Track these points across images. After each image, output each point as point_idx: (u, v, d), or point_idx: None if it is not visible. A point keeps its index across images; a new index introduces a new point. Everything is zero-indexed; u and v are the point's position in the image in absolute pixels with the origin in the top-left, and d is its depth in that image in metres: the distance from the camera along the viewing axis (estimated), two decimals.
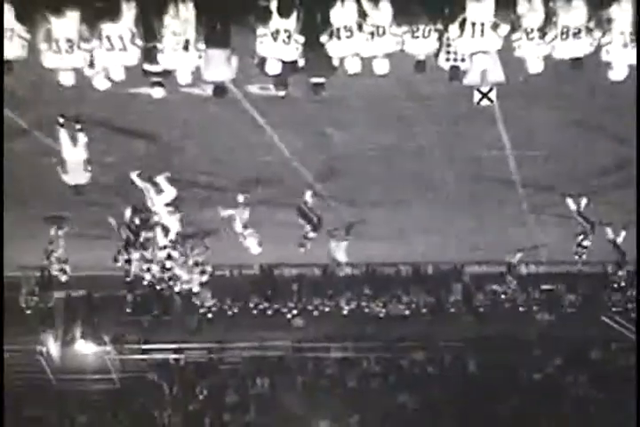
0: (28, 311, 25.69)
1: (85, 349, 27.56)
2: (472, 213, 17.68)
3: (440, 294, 26.20)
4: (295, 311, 26.53)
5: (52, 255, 18.93)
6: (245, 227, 16.61)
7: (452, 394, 26.41)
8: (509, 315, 25.79)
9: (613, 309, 25.52)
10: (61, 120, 11.65)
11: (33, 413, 27.50)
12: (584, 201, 16.40)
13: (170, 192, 15.35)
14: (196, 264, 19.09)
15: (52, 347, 27.54)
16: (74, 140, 11.79)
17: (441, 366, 27.06)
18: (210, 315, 26.20)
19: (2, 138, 10.46)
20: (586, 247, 17.48)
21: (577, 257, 17.95)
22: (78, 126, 11.72)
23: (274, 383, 27.38)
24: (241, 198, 16.19)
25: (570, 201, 16.40)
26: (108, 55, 8.41)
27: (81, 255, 18.91)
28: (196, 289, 19.87)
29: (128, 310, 26.62)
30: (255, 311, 26.58)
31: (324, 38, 8.33)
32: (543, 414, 25.85)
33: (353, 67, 8.58)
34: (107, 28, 8.30)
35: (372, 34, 8.28)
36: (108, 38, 8.33)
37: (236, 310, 26.52)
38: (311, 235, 16.69)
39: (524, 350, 26.57)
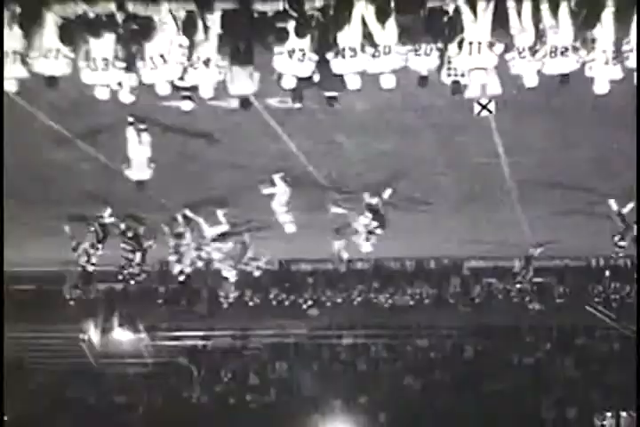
0: (72, 302, 25.74)
1: (122, 336, 27.61)
2: (469, 213, 17.60)
3: (441, 286, 26.16)
4: (310, 302, 26.52)
5: (78, 248, 18.72)
6: (282, 205, 16.02)
7: (452, 376, 26.40)
8: (504, 305, 25.75)
9: (596, 299, 25.49)
10: (131, 119, 11.54)
11: (75, 393, 27.57)
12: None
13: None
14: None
15: (93, 334, 27.60)
16: (139, 138, 11.68)
17: (442, 351, 27.04)
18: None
19: (2, 137, 10.36)
20: (623, 247, 17.01)
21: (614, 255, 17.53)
22: (143, 126, 11.55)
23: (291, 367, 27.39)
24: (277, 179, 15.11)
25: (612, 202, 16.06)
26: (153, 72, 8.42)
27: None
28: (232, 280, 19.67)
29: (160, 301, 26.67)
30: (274, 302, 26.56)
31: (329, 55, 8.32)
32: (533, 393, 25.84)
33: (354, 83, 8.58)
34: (148, 47, 8.31)
35: (379, 52, 8.28)
36: (151, 57, 8.34)
37: (257, 301, 26.53)
38: (378, 231, 16.25)
39: (517, 336, 26.55)
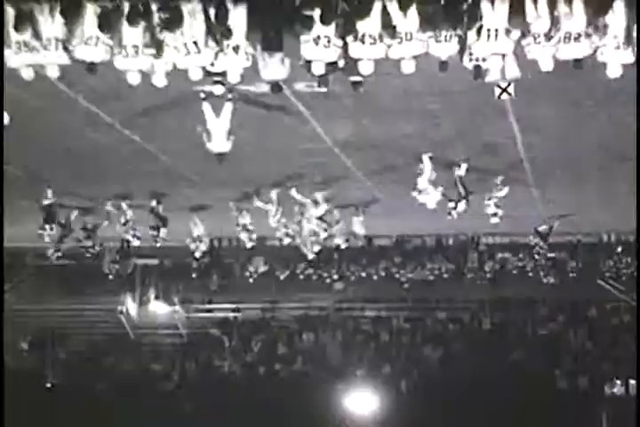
0: (111, 277, 25.91)
1: (158, 308, 27.77)
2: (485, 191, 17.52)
3: (459, 261, 26.14)
4: (336, 277, 26.55)
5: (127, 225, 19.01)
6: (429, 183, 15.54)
7: (470, 347, 26.42)
8: (519, 279, 25.73)
9: (608, 274, 25.43)
10: (203, 95, 11.36)
11: (114, 362, 27.76)
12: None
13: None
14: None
15: (131, 306, 27.77)
16: (217, 111, 11.47)
17: (460, 323, 27.04)
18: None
19: (2, 137, 10.37)
20: None
21: None
22: (230, 95, 11.22)
23: (318, 338, 27.46)
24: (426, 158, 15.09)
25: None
26: (186, 58, 8.45)
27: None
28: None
29: (194, 275, 26.79)
30: (302, 277, 26.62)
31: (349, 39, 8.32)
32: (547, 362, 25.84)
33: (366, 69, 8.57)
34: (178, 35, 8.34)
35: (401, 39, 8.28)
36: (185, 44, 8.37)
37: (285, 275, 26.60)
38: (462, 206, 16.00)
39: (532, 309, 26.53)
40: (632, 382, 25.42)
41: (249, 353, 27.53)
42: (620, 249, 24.82)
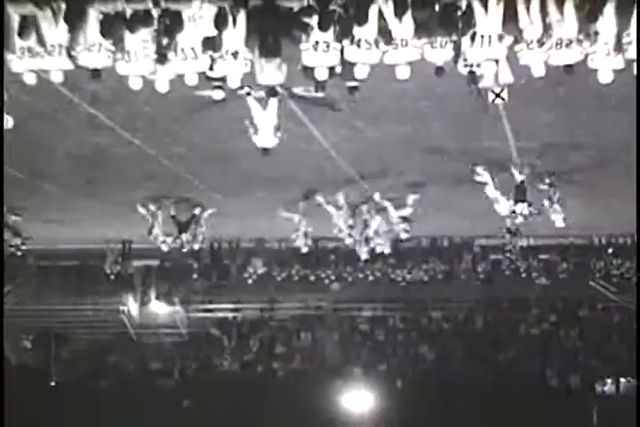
0: (112, 277, 25.88)
1: (159, 308, 27.72)
2: (479, 194, 17.52)
3: (453, 262, 26.14)
4: (333, 277, 26.53)
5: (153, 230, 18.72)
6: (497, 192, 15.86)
7: (463, 346, 26.40)
8: (511, 280, 25.74)
9: (598, 275, 25.45)
10: (247, 90, 10.99)
11: (115, 360, 27.73)
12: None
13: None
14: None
15: (132, 306, 27.69)
16: (264, 106, 11.20)
17: (454, 322, 27.02)
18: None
19: (2, 138, 10.37)
20: None
21: None
22: (281, 91, 10.94)
23: (315, 337, 27.42)
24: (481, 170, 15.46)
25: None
26: (183, 64, 8.46)
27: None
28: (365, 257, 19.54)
29: (194, 276, 26.78)
30: (299, 277, 26.59)
31: (345, 43, 8.31)
32: (539, 361, 25.83)
33: (361, 73, 8.57)
34: (180, 40, 8.34)
35: (396, 45, 8.29)
36: (182, 49, 8.37)
37: (283, 276, 26.59)
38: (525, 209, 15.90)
39: (524, 309, 26.52)
40: (622, 380, 25.43)
41: (248, 352, 27.51)
42: (610, 251, 24.90)
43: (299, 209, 18.13)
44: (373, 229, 18.16)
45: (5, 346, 24.83)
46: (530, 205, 15.68)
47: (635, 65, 8.20)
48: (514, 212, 15.75)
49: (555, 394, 25.13)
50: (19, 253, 19.92)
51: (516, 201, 15.61)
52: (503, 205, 15.64)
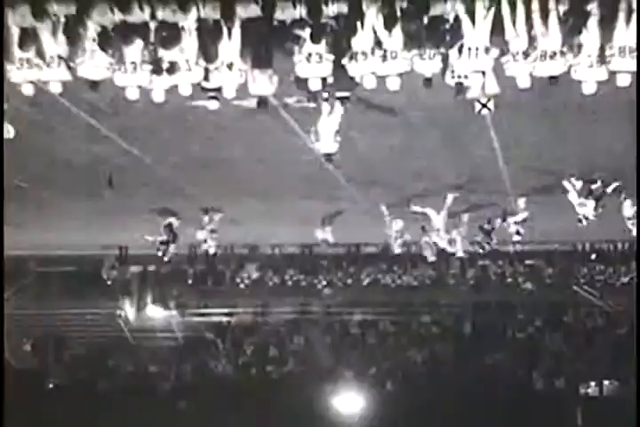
0: (109, 282, 25.84)
1: (155, 312, 27.68)
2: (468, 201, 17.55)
3: (441, 268, 26.14)
4: (324, 283, 26.52)
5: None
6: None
7: (452, 349, 26.41)
8: (498, 285, 25.77)
9: (582, 280, 25.48)
10: (325, 95, 10.56)
11: (113, 363, 27.70)
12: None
13: None
14: None
15: (129, 311, 27.66)
16: (330, 111, 10.81)
17: (443, 326, 27.02)
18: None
19: (2, 141, 10.38)
20: None
21: None
22: (340, 94, 10.49)
23: (308, 341, 27.41)
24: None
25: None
26: (178, 75, 8.45)
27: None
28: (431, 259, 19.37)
29: (189, 282, 26.75)
30: (292, 282, 26.58)
31: (345, 60, 8.33)
32: (525, 364, 25.86)
33: (369, 83, 8.59)
34: (174, 52, 8.34)
35: (386, 57, 8.30)
36: (176, 62, 8.36)
37: (276, 281, 26.58)
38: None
39: (510, 313, 26.54)
40: (606, 382, 25.46)
41: (241, 355, 27.49)
42: (593, 257, 24.94)
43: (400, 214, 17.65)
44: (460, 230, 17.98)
45: (6, 350, 24.80)
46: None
47: (617, 77, 8.22)
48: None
49: (540, 396, 25.16)
50: None
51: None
52: (589, 209, 15.56)
